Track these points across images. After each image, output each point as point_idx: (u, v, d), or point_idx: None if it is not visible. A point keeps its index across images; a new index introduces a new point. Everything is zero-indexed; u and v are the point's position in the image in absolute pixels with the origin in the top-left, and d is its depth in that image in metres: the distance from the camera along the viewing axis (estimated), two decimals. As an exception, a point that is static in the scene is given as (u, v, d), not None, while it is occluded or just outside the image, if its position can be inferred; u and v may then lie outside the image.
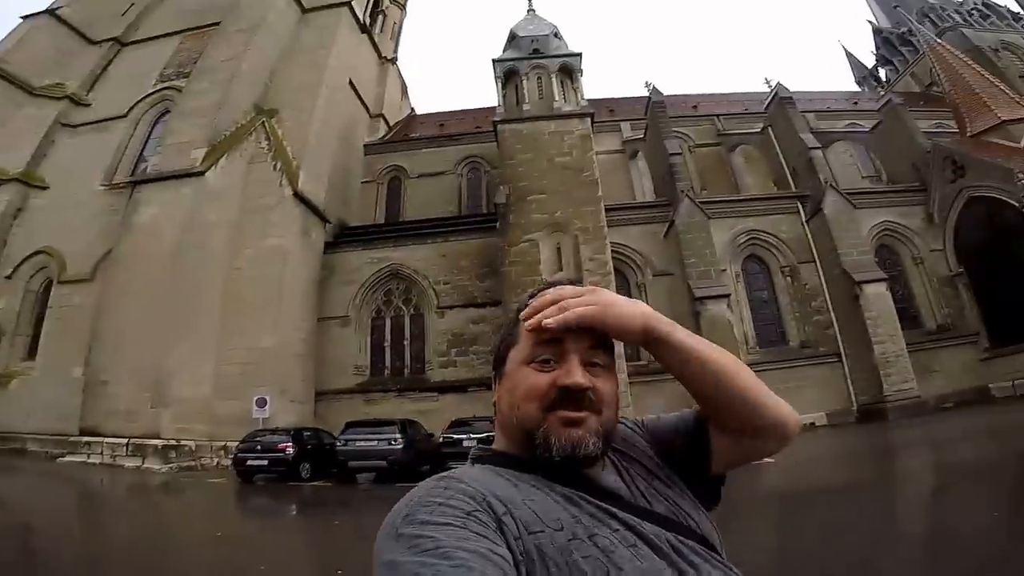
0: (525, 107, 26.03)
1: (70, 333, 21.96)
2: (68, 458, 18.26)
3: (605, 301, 1.08)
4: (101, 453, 18.13)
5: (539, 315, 1.07)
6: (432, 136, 35.31)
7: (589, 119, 25.52)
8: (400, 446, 14.94)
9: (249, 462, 15.17)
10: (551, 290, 1.12)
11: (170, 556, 7.58)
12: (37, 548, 8.00)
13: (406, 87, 44.45)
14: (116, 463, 17.65)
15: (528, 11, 30.57)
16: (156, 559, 7.32)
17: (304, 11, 30.11)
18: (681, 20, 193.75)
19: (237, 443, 16.11)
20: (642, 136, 31.25)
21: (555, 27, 28.84)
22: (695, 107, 35.60)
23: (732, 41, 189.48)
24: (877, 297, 22.34)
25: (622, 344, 1.15)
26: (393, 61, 40.55)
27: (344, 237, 26.64)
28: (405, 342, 24.41)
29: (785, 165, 28.08)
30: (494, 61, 27.18)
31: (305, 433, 16.61)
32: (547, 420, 1.02)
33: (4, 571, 6.34)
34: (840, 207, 24.09)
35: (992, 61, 35.24)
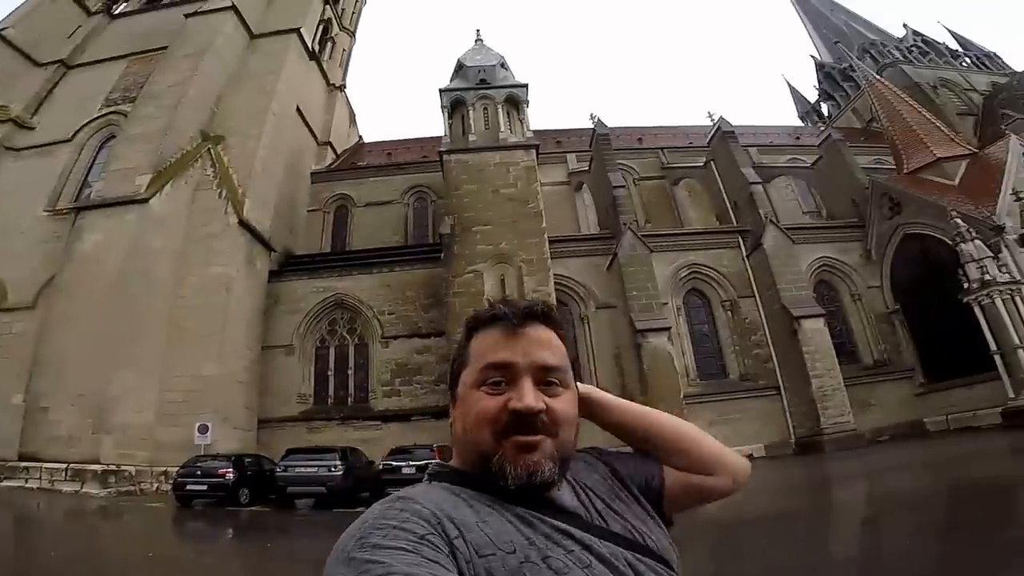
0: (471, 138, 26.20)
1: (10, 360, 21.38)
2: (5, 483, 17.91)
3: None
4: (39, 478, 17.91)
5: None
6: (379, 165, 35.31)
7: (534, 151, 25.80)
8: (339, 473, 15.13)
9: (188, 487, 15.29)
10: None
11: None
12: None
13: (354, 115, 44.61)
14: (54, 488, 17.47)
15: (476, 41, 30.90)
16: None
17: (252, 37, 30.06)
18: (630, 52, 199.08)
19: (178, 468, 16.19)
20: (587, 168, 31.56)
21: (502, 58, 29.17)
22: (640, 139, 36.15)
23: (680, 73, 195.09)
24: (815, 332, 22.69)
25: None
26: (342, 88, 40.63)
27: (290, 266, 26.47)
28: (349, 371, 24.39)
29: (727, 199, 28.57)
30: (441, 91, 27.38)
31: (246, 459, 16.72)
32: (502, 447, 1.01)
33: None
34: (780, 242, 24.55)
35: (931, 98, 36.48)
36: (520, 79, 28.40)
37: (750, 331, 24.30)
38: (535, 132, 27.22)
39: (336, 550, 0.86)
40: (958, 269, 20.77)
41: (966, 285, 20.40)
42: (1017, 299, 19.72)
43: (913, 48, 43.13)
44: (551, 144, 33.58)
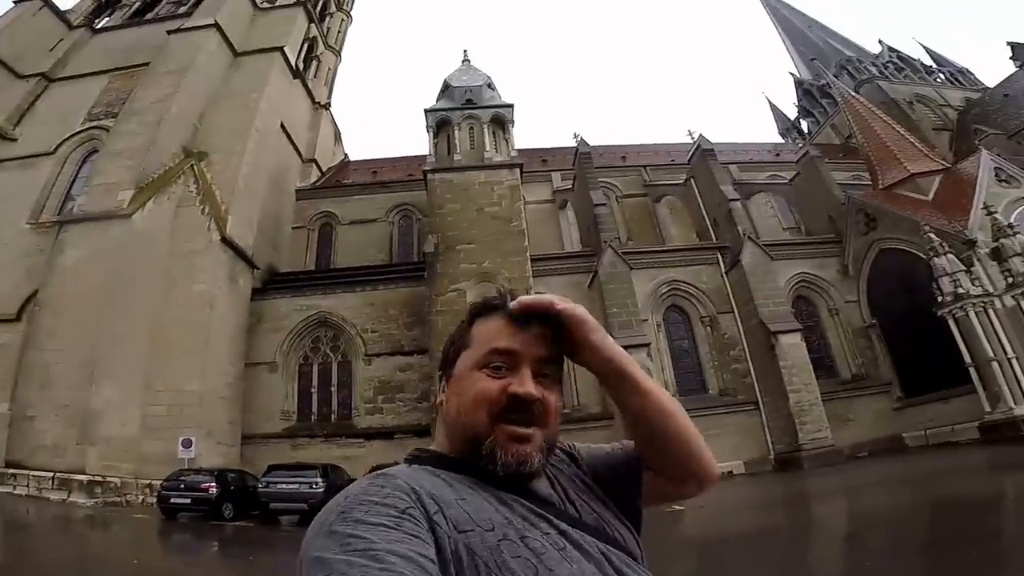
0: (456, 157, 26.41)
1: (-4, 370, 21.53)
2: (-7, 489, 18.14)
3: (590, 317, 1.15)
4: (27, 485, 18.03)
5: (528, 301, 1.11)
6: (364, 183, 35.40)
7: (519, 170, 26.04)
8: (321, 489, 15.18)
9: (172, 500, 15.49)
10: (541, 296, 1.13)
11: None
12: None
13: (339, 133, 44.66)
14: (42, 495, 17.64)
15: (463, 61, 31.15)
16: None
17: (236, 55, 30.12)
18: (617, 70, 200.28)
19: (162, 481, 16.38)
20: (571, 186, 31.86)
21: (489, 78, 29.44)
22: (623, 157, 36.57)
23: (665, 91, 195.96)
24: (792, 347, 22.90)
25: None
26: (327, 107, 40.77)
27: (273, 284, 26.51)
28: (332, 388, 24.42)
29: (707, 216, 28.90)
30: (426, 111, 27.57)
31: (229, 474, 16.92)
32: (495, 432, 1.04)
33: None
34: (758, 258, 24.84)
35: (907, 114, 37.26)
36: (507, 98, 28.70)
37: (729, 346, 24.54)
38: (521, 151, 27.48)
39: (316, 523, 0.89)
40: (932, 283, 21.06)
41: (940, 299, 20.70)
42: (990, 312, 20.02)
43: (889, 64, 43.95)
44: (536, 162, 33.95)
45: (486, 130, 26.92)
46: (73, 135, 28.07)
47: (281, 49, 30.94)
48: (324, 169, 38.26)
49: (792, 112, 52.68)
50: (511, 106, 27.86)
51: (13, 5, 33.03)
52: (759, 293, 24.04)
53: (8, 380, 20.43)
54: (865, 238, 25.61)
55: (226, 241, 23.60)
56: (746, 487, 19.23)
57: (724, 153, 31.46)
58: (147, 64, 28.32)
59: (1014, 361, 19.21)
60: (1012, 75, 36.95)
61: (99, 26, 34.35)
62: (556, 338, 1.13)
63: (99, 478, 18.08)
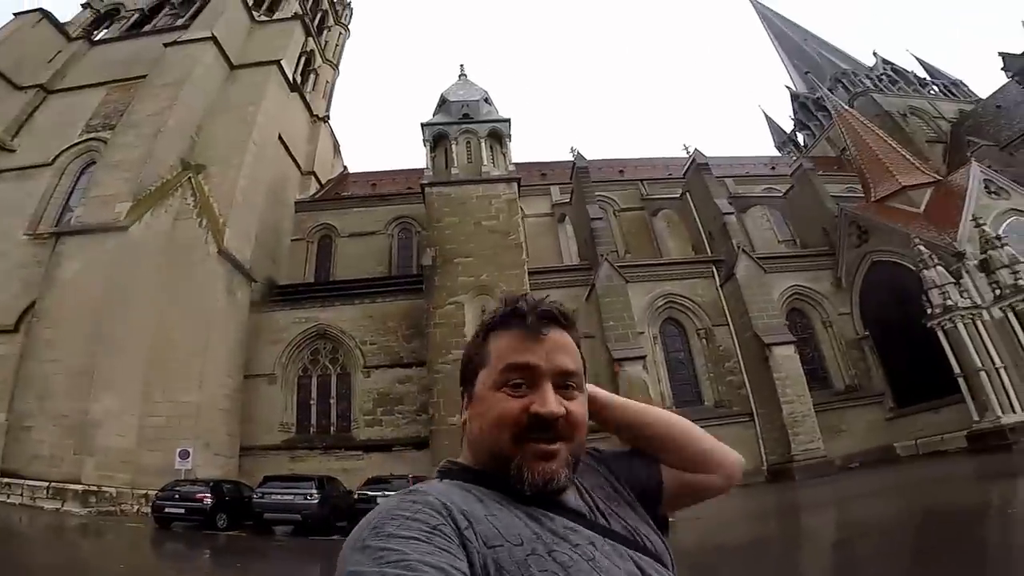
0: (453, 171, 26.61)
1: (-7, 380, 21.51)
2: (-14, 497, 18.15)
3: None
4: (21, 494, 17.88)
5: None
6: (364, 195, 35.56)
7: (516, 184, 26.26)
8: (315, 501, 15.34)
9: (167, 509, 15.52)
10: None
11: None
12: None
13: (338, 145, 44.74)
14: (36, 504, 17.61)
15: (460, 76, 31.40)
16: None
17: (233, 67, 30.15)
18: (616, 84, 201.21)
19: (157, 491, 16.46)
20: (569, 200, 32.07)
21: (486, 93, 29.67)
22: (621, 171, 36.89)
23: (665, 105, 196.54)
24: (785, 359, 23.17)
25: None
26: (325, 119, 40.89)
27: (272, 296, 26.65)
28: (331, 400, 24.52)
29: (702, 230, 29.18)
30: (423, 125, 27.77)
31: (225, 485, 16.95)
32: (520, 452, 1.03)
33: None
34: (752, 272, 25.09)
35: (901, 126, 37.57)
36: (504, 113, 29.00)
37: (724, 358, 24.80)
38: (520, 164, 27.76)
39: (351, 539, 0.90)
40: (922, 295, 21.29)
41: (929, 310, 20.95)
42: (978, 323, 20.28)
43: (883, 77, 44.34)
44: (536, 176, 34.24)
45: (483, 144, 27.15)
46: (71, 146, 27.99)
47: (278, 62, 30.96)
48: (323, 182, 38.37)
49: (789, 125, 53.00)
50: (508, 120, 28.11)
51: (13, 17, 33.04)
52: (753, 306, 24.30)
53: (5, 390, 20.32)
54: (858, 250, 25.89)
55: (223, 254, 23.66)
56: (740, 498, 19.20)
57: (721, 166, 31.78)
58: (145, 76, 28.31)
59: (1001, 371, 19.47)
60: (1004, 86, 37.33)
61: (97, 38, 34.29)
62: (575, 342, 1.14)
63: (94, 488, 18.11)
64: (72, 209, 25.90)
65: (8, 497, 17.92)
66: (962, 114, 40.08)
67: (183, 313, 21.94)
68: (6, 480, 18.36)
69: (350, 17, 47.00)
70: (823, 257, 27.46)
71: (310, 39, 37.50)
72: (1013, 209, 23.56)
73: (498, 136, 27.69)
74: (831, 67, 47.04)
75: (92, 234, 22.45)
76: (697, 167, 30.13)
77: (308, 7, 39.36)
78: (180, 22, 33.39)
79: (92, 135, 28.09)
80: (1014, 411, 18.88)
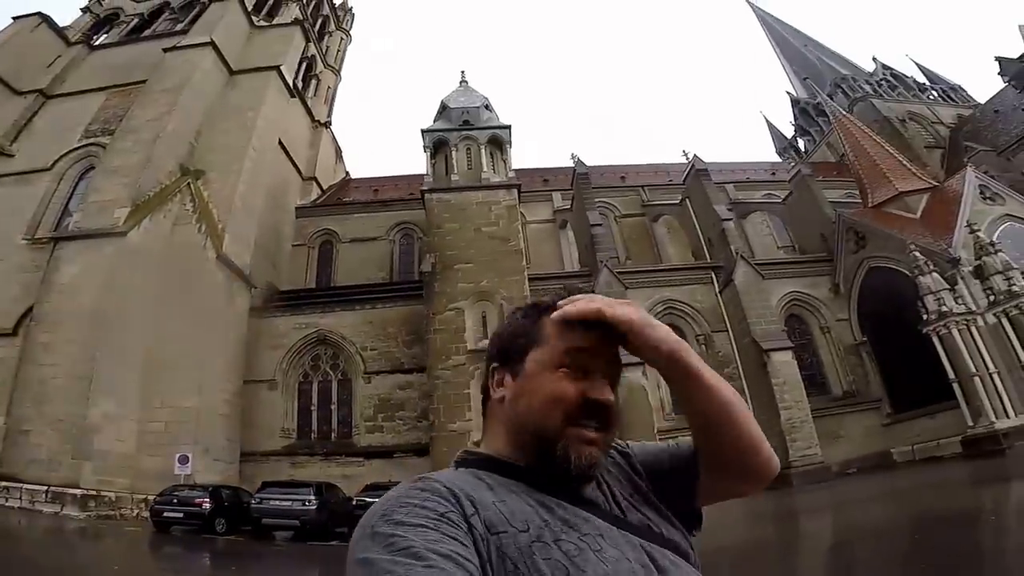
0: (454, 177, 26.63)
1: (-9, 383, 21.49)
2: (-16, 500, 18.17)
3: (643, 313, 1.10)
4: (20, 498, 17.89)
5: (578, 309, 1.09)
6: (365, 201, 35.54)
7: (516, 190, 26.31)
8: (313, 507, 15.53)
9: (166, 513, 15.65)
10: (585, 296, 1.13)
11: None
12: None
13: (340, 151, 44.68)
14: (34, 508, 17.65)
15: (460, 83, 31.41)
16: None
17: (232, 73, 30.09)
18: (618, 90, 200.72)
19: (155, 496, 16.57)
20: (570, 206, 32.15)
21: (486, 99, 29.69)
22: (622, 177, 36.94)
23: (668, 110, 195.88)
24: (783, 364, 23.31)
25: None
26: (327, 125, 40.90)
27: (272, 302, 26.62)
28: (332, 406, 24.54)
29: (701, 236, 29.33)
30: (423, 131, 27.78)
31: (224, 491, 17.12)
32: (567, 434, 1.04)
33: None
34: (750, 278, 25.22)
35: (900, 131, 37.64)
36: (505, 119, 28.98)
37: (723, 364, 24.75)
38: (521, 170, 27.88)
39: (360, 526, 0.91)
40: (918, 301, 21.41)
41: (925, 316, 21.07)
42: (973, 329, 20.42)
43: (883, 82, 44.47)
44: (538, 182, 34.31)
45: (484, 151, 27.18)
46: (70, 151, 28.00)
47: (278, 68, 30.91)
48: (325, 187, 38.35)
49: (789, 131, 53.09)
50: (508, 127, 28.13)
51: (12, 21, 33.00)
52: (752, 311, 24.43)
53: (4, 394, 20.31)
54: (855, 256, 25.98)
55: (222, 259, 23.65)
56: (738, 503, 18.70)
57: (721, 172, 31.89)
58: (144, 82, 28.29)
59: (995, 376, 19.63)
60: (1002, 91, 37.48)
61: (97, 43, 34.35)
62: (616, 339, 1.11)
63: (93, 492, 18.11)
64: (71, 214, 25.93)
65: (7, 500, 17.91)
66: (960, 119, 40.23)
67: (182, 318, 21.84)
68: (4, 484, 18.34)
69: (352, 22, 47.05)
70: (821, 263, 27.53)
71: (311, 44, 37.51)
72: (1008, 215, 23.79)
73: (498, 142, 27.71)
74: (831, 72, 47.14)
75: (91, 239, 22.43)
76: (696, 173, 30.26)
77: (308, 12, 39.43)
78: (179, 27, 33.38)
79: (91, 140, 28.09)
80: (1008, 416, 19.05)
